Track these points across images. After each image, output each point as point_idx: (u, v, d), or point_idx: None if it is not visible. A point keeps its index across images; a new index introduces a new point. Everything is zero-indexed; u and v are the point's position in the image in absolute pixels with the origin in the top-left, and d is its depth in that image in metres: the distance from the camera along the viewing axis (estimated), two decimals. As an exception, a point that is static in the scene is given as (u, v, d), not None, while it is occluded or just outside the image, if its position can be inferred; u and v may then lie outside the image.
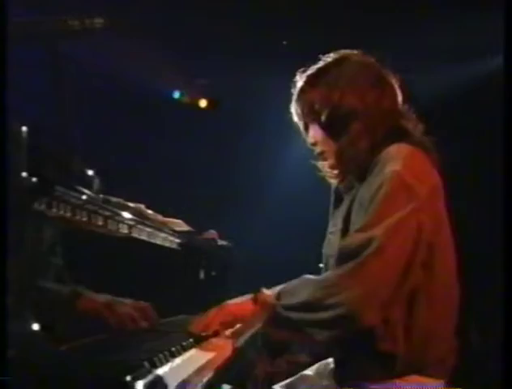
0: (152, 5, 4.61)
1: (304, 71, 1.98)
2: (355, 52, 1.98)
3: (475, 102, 5.03)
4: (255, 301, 1.85)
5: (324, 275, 1.81)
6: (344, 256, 1.70)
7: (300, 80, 1.98)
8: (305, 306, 1.71)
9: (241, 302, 1.89)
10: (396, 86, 1.94)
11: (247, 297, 1.89)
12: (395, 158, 1.77)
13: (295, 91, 1.98)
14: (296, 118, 2.00)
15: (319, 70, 1.96)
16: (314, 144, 1.98)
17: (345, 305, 1.64)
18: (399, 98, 1.94)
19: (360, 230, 1.71)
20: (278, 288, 1.84)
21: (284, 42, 5.30)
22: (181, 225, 2.51)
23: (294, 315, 1.74)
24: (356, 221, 1.79)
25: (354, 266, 1.66)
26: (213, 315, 1.88)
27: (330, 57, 1.97)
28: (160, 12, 4.75)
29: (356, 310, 1.64)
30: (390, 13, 4.68)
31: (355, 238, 1.71)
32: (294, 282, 1.83)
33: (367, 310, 1.64)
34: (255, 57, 5.20)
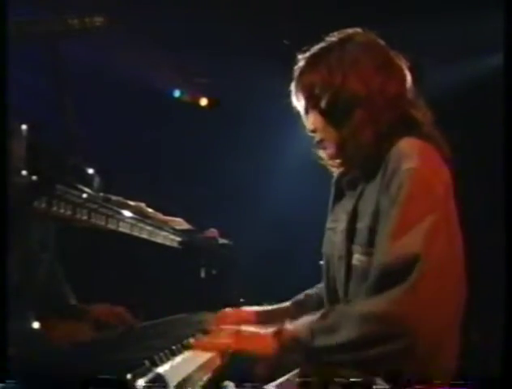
0: (152, 4, 4.61)
1: (305, 51, 1.85)
2: (359, 31, 1.83)
3: (474, 102, 5.03)
4: (277, 336, 1.65)
5: (368, 304, 1.57)
6: (387, 277, 1.53)
7: (300, 61, 1.85)
8: (353, 344, 1.54)
9: (259, 334, 1.70)
10: (405, 69, 1.79)
11: (266, 331, 1.68)
12: (409, 155, 1.64)
13: (295, 73, 1.85)
14: (295, 102, 1.87)
15: (321, 50, 1.82)
16: (313, 131, 1.85)
17: (405, 336, 1.49)
18: (408, 83, 1.78)
19: (392, 239, 1.56)
20: (308, 324, 1.63)
21: (285, 41, 5.30)
22: (181, 224, 2.50)
23: (339, 357, 1.57)
24: (371, 226, 1.67)
25: (405, 290, 1.50)
26: (226, 340, 1.73)
27: (333, 37, 1.83)
28: (161, 11, 4.74)
29: (418, 339, 1.49)
30: (390, 13, 4.68)
31: (393, 254, 1.54)
32: (329, 316, 1.62)
33: (428, 337, 1.51)
34: (256, 56, 5.19)
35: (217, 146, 5.85)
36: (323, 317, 1.64)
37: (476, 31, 4.66)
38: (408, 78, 1.79)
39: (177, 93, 6.02)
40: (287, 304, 2.24)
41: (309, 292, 2.24)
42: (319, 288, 2.20)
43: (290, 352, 1.64)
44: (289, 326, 1.67)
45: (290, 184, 5.56)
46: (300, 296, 2.25)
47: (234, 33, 5.06)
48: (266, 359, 1.69)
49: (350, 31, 1.84)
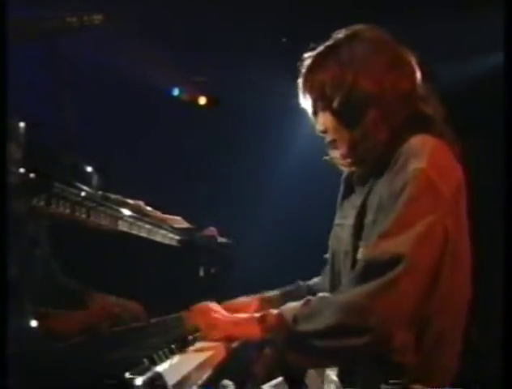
0: (151, 2, 4.60)
1: (312, 49, 1.79)
2: (366, 27, 1.77)
3: (474, 101, 5.03)
4: (262, 321, 1.68)
5: (348, 295, 1.60)
6: (370, 271, 1.55)
7: (308, 59, 1.78)
8: (332, 332, 1.56)
9: (245, 321, 1.75)
10: (415, 65, 1.75)
11: (252, 316, 1.74)
12: (419, 153, 1.61)
13: (302, 72, 1.78)
14: (303, 102, 1.81)
15: (328, 48, 1.76)
16: (324, 132, 1.79)
17: (378, 329, 1.52)
18: (419, 79, 1.74)
19: (385, 236, 1.56)
20: (291, 310, 1.66)
21: (284, 39, 5.30)
22: (180, 222, 2.50)
23: (318, 342, 1.58)
24: (374, 220, 1.67)
25: (383, 286, 1.52)
26: (212, 329, 1.78)
27: (339, 34, 1.77)
28: (160, 9, 4.74)
29: (390, 333, 1.53)
30: (390, 12, 4.67)
31: (381, 250, 1.56)
32: (311, 303, 1.65)
33: (400, 331, 1.54)
34: (255, 55, 5.19)
35: (216, 144, 5.85)
36: (306, 303, 1.66)
37: (476, 31, 4.66)
38: (419, 73, 1.75)
39: (175, 92, 6.00)
40: (275, 292, 2.18)
41: (300, 283, 2.23)
42: (313, 281, 2.20)
43: (273, 337, 1.66)
44: (274, 311, 1.69)
45: (290, 182, 5.56)
46: (291, 286, 2.22)
47: (233, 31, 5.05)
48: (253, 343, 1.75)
49: (356, 27, 1.78)
